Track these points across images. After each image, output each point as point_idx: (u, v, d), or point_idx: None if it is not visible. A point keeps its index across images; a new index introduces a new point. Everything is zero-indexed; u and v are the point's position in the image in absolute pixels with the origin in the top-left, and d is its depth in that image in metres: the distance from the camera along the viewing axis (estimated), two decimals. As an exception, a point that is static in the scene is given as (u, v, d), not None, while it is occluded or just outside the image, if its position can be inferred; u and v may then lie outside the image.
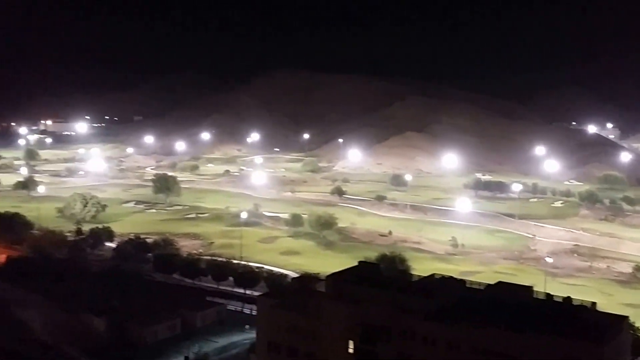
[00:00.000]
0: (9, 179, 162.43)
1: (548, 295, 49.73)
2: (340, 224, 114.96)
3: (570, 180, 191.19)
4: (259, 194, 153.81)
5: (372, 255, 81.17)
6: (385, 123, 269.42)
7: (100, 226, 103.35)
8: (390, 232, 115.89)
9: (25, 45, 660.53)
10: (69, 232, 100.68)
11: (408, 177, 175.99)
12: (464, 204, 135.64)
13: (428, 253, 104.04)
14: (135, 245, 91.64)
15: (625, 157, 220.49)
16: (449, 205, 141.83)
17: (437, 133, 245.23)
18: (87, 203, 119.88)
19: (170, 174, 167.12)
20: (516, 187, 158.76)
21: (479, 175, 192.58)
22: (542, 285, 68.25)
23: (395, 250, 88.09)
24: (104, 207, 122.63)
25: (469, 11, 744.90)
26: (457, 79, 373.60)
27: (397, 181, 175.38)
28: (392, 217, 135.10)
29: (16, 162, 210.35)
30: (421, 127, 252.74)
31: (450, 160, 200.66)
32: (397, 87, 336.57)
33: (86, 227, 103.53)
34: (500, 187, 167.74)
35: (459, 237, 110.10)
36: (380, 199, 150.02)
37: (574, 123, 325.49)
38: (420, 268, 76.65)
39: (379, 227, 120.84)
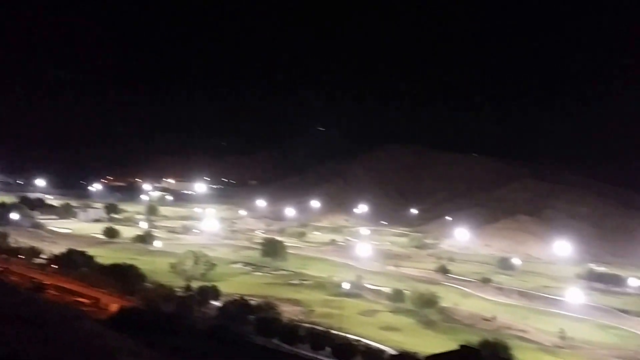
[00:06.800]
0: (130, 232, 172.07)
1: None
2: (443, 304, 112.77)
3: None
4: (363, 265, 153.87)
5: (473, 339, 78.68)
6: (496, 204, 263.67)
7: (208, 284, 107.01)
8: (494, 317, 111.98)
9: (152, 109, 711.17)
10: (179, 287, 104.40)
11: (517, 261, 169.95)
12: (575, 295, 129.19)
13: (533, 343, 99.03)
14: (239, 306, 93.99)
15: None
16: (559, 294, 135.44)
17: (550, 218, 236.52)
18: (198, 261, 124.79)
19: (278, 238, 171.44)
20: (633, 282, 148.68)
21: (592, 265, 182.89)
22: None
23: (498, 337, 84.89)
24: (213, 266, 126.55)
25: (591, 97, 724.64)
26: (575, 164, 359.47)
27: (504, 264, 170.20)
28: (497, 301, 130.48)
29: (137, 216, 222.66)
30: (533, 211, 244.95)
31: (562, 248, 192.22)
32: (512, 169, 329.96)
33: (195, 284, 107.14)
34: (616, 280, 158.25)
35: (568, 330, 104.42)
36: (486, 281, 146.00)
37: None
38: (525, 358, 73.84)
39: (482, 311, 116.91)
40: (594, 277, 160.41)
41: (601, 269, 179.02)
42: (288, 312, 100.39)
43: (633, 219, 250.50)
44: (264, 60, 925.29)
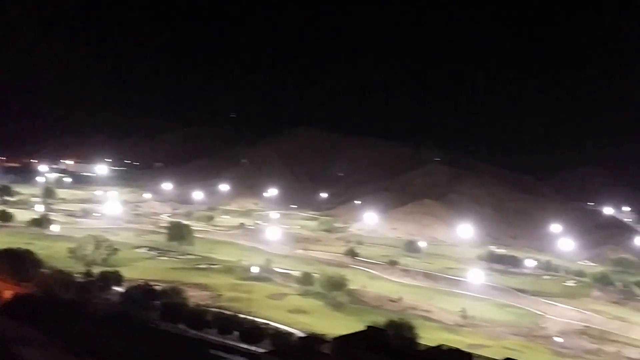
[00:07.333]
0: (24, 216, 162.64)
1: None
2: (351, 286, 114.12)
3: (584, 261, 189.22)
4: (272, 249, 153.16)
5: (380, 320, 79.90)
6: (404, 189, 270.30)
7: (110, 270, 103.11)
8: (400, 298, 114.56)
9: (51, 84, 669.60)
10: (79, 273, 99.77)
11: (422, 244, 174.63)
12: (476, 276, 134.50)
13: (437, 322, 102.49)
14: (143, 292, 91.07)
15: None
16: (461, 275, 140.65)
17: (454, 202, 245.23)
18: (99, 245, 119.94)
19: (185, 222, 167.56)
20: (529, 263, 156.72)
21: (492, 247, 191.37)
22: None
23: (404, 317, 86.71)
24: (115, 250, 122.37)
25: (495, 88, 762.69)
26: (478, 151, 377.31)
27: (410, 247, 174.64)
28: (403, 282, 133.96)
29: (33, 199, 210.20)
30: (439, 196, 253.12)
31: (465, 231, 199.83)
32: (419, 154, 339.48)
33: (96, 270, 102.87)
34: (514, 261, 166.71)
35: (469, 309, 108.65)
36: (392, 263, 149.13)
37: (591, 203, 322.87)
38: (428, 337, 75.49)
39: (389, 292, 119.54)
40: (493, 259, 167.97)
41: (500, 250, 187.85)
42: (195, 297, 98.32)
43: (530, 204, 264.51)
44: (170, 39, 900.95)
